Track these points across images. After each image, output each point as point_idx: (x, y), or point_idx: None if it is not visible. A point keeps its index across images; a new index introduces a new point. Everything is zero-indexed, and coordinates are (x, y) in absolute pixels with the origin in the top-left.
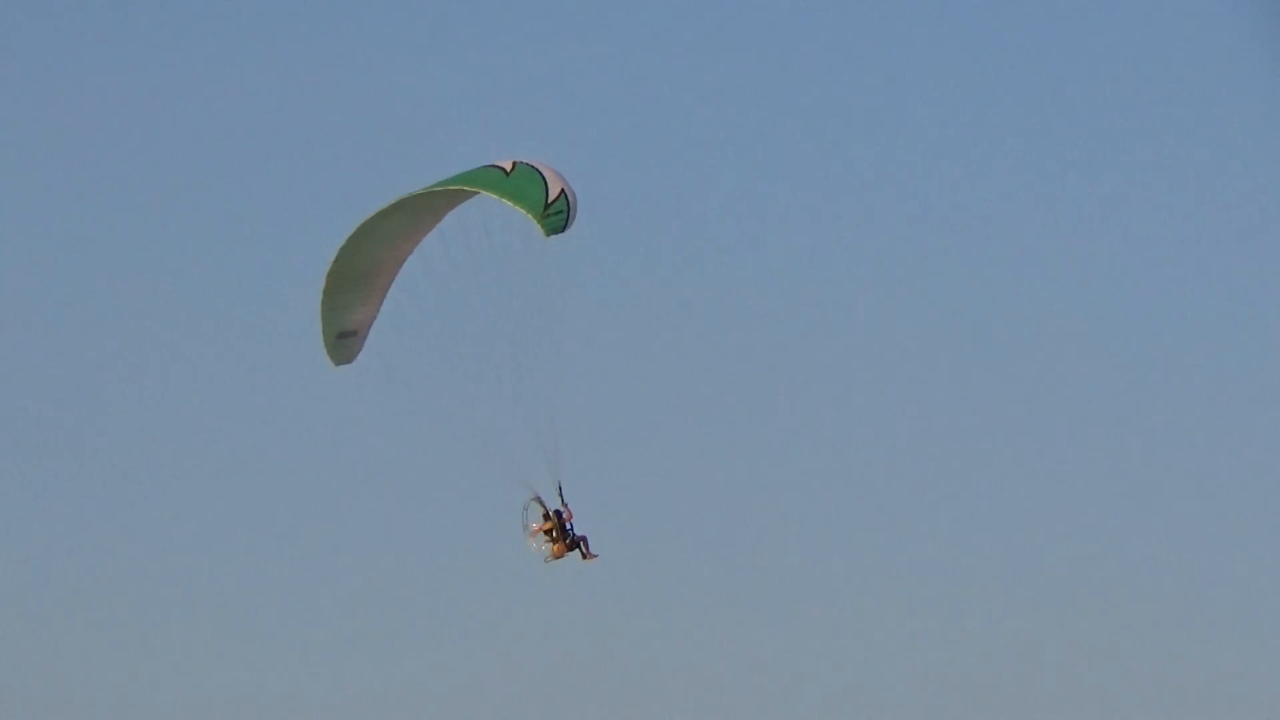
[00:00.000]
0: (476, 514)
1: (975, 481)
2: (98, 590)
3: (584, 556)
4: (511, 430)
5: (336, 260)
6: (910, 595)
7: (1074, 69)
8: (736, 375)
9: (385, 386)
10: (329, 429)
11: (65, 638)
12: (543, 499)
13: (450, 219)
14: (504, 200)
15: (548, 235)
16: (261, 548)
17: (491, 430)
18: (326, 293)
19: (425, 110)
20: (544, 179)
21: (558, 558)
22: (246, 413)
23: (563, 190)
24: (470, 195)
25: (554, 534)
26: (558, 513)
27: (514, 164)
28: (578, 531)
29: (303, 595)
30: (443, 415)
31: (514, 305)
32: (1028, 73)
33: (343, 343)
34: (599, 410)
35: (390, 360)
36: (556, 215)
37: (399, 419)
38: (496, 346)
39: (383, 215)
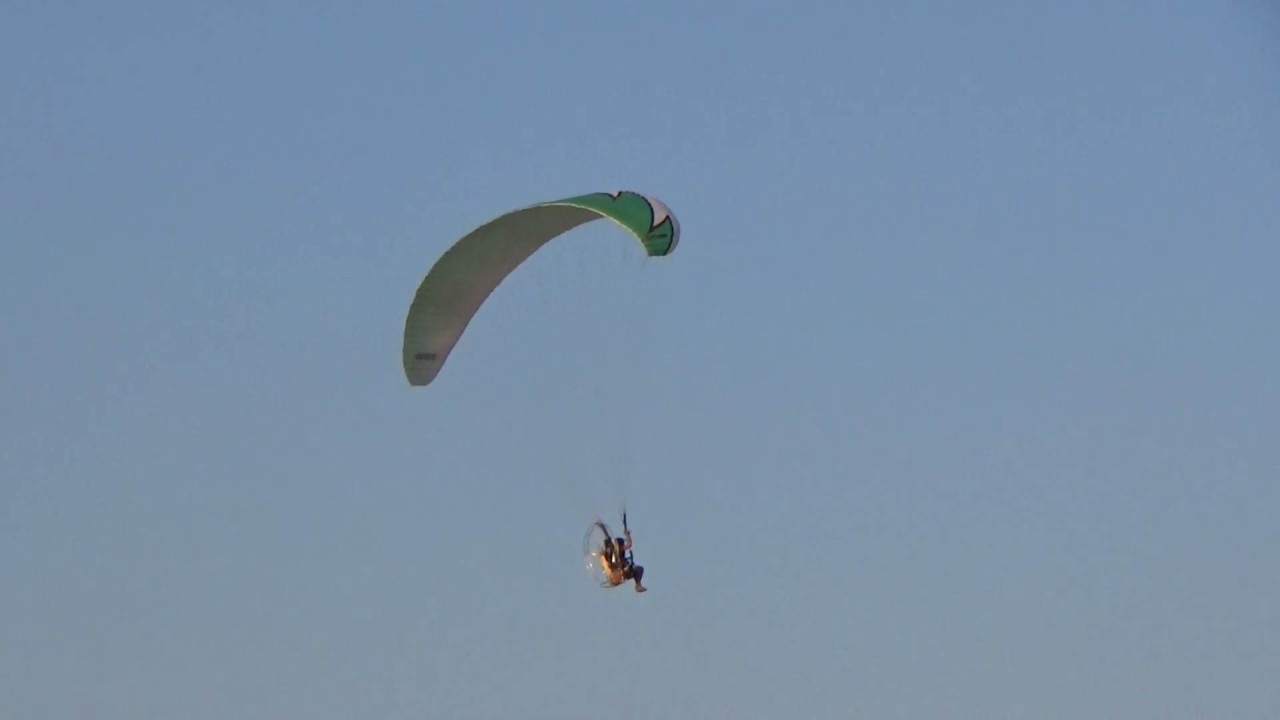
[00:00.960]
0: (539, 535)
1: (996, 486)
2: (108, 590)
3: (637, 588)
4: (583, 454)
5: (428, 278)
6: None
7: (1077, 70)
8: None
9: (461, 399)
10: (396, 443)
11: (64, 637)
12: (605, 525)
13: (552, 245)
14: (612, 219)
15: (650, 255)
16: (322, 564)
17: (564, 452)
18: (413, 310)
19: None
20: (649, 204)
21: (615, 584)
22: (310, 425)
23: (668, 216)
24: (580, 213)
25: (613, 560)
26: (619, 540)
27: (620, 191)
28: (637, 561)
29: (357, 610)
30: (515, 433)
31: (605, 325)
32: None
33: (421, 364)
34: (672, 439)
35: (468, 373)
36: (661, 238)
37: (473, 435)
38: (580, 367)
39: (482, 234)
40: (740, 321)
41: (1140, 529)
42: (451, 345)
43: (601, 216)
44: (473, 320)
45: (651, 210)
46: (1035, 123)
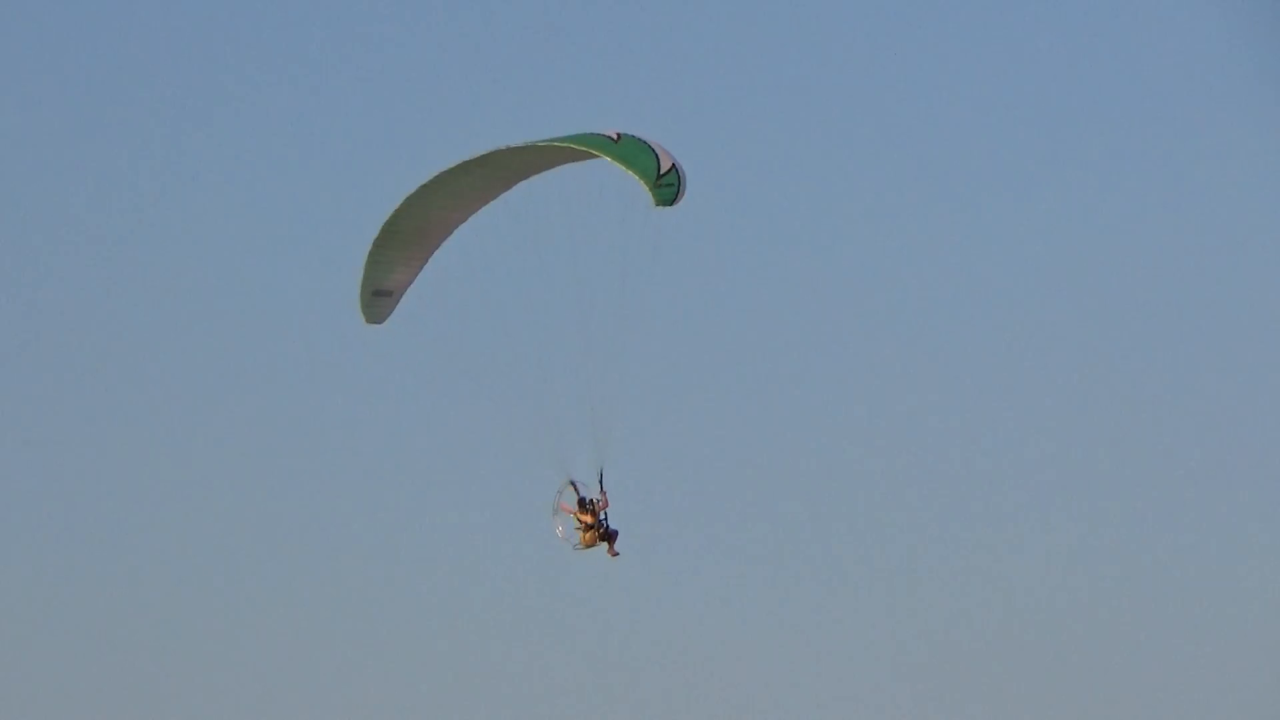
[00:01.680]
0: (506, 491)
1: (987, 475)
2: (107, 589)
3: (610, 552)
4: (560, 405)
5: (399, 212)
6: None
7: (1078, 72)
8: (808, 386)
9: (434, 348)
10: (355, 388)
11: (63, 637)
12: (577, 484)
13: (533, 182)
14: (616, 164)
15: (657, 205)
16: (287, 514)
17: (539, 401)
18: (376, 244)
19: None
20: (654, 150)
21: (588, 546)
22: (261, 369)
23: (674, 164)
24: (576, 154)
25: (589, 521)
26: (593, 501)
27: (619, 134)
28: (611, 525)
29: (321, 567)
30: (486, 379)
31: (597, 271)
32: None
33: (378, 301)
34: (658, 397)
35: (437, 313)
36: (668, 187)
37: (445, 385)
38: (563, 312)
39: (464, 169)
40: (740, 277)
41: (1141, 530)
42: (408, 284)
43: (600, 158)
44: (453, 258)
45: (657, 157)
46: (1038, 114)
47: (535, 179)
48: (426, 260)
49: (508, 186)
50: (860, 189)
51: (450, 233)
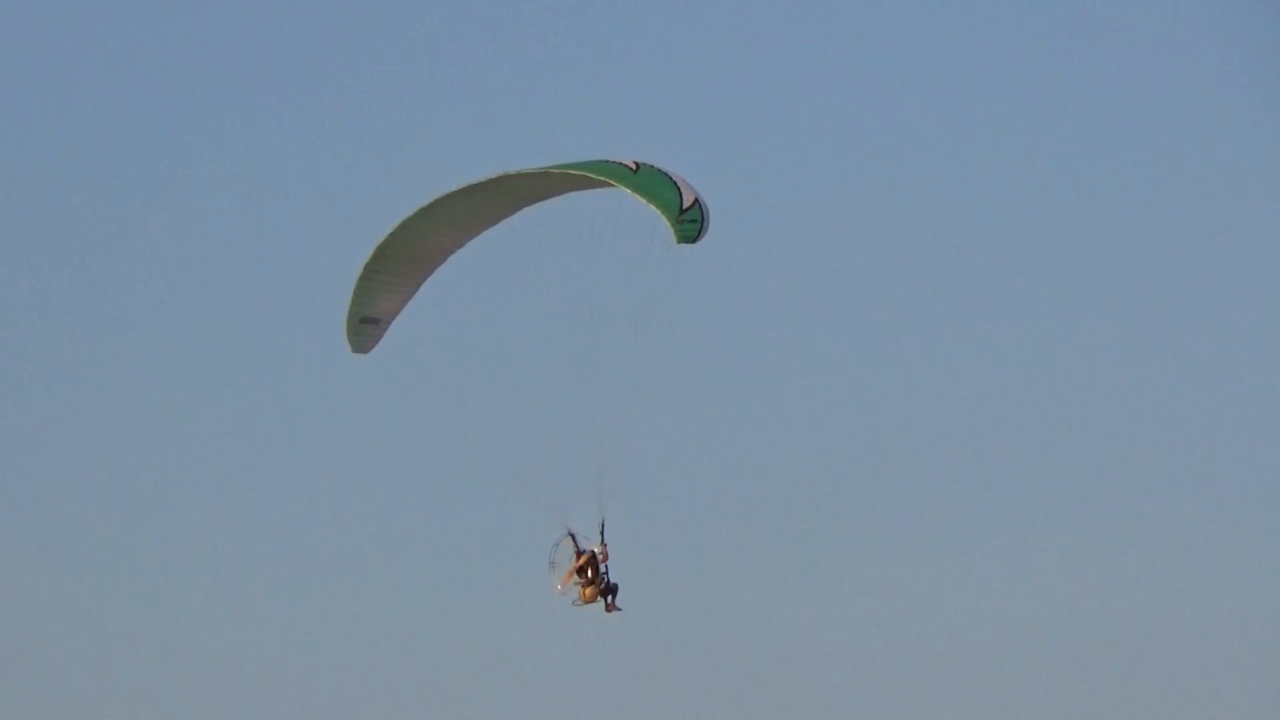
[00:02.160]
0: (504, 541)
1: (1000, 498)
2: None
3: (608, 608)
4: (561, 452)
5: (392, 235)
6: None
7: (1077, 73)
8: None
9: (427, 385)
10: (359, 430)
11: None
12: (575, 536)
13: (540, 207)
14: (637, 196)
15: (679, 242)
16: (272, 561)
17: (538, 449)
18: (368, 269)
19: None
20: (675, 183)
21: (587, 601)
22: (266, 412)
23: (697, 198)
24: (592, 184)
25: (588, 574)
26: (593, 553)
27: (637, 163)
28: (612, 578)
29: (310, 617)
30: (484, 422)
31: (607, 310)
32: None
33: (364, 329)
34: (666, 445)
35: (433, 350)
36: (691, 223)
37: (439, 426)
38: (567, 354)
39: (468, 193)
40: (757, 321)
41: (1141, 531)
42: (397, 312)
43: (618, 189)
44: (451, 288)
45: (679, 190)
46: (1044, 115)
47: (543, 204)
48: (418, 287)
49: (513, 212)
50: (889, 228)
51: (446, 259)
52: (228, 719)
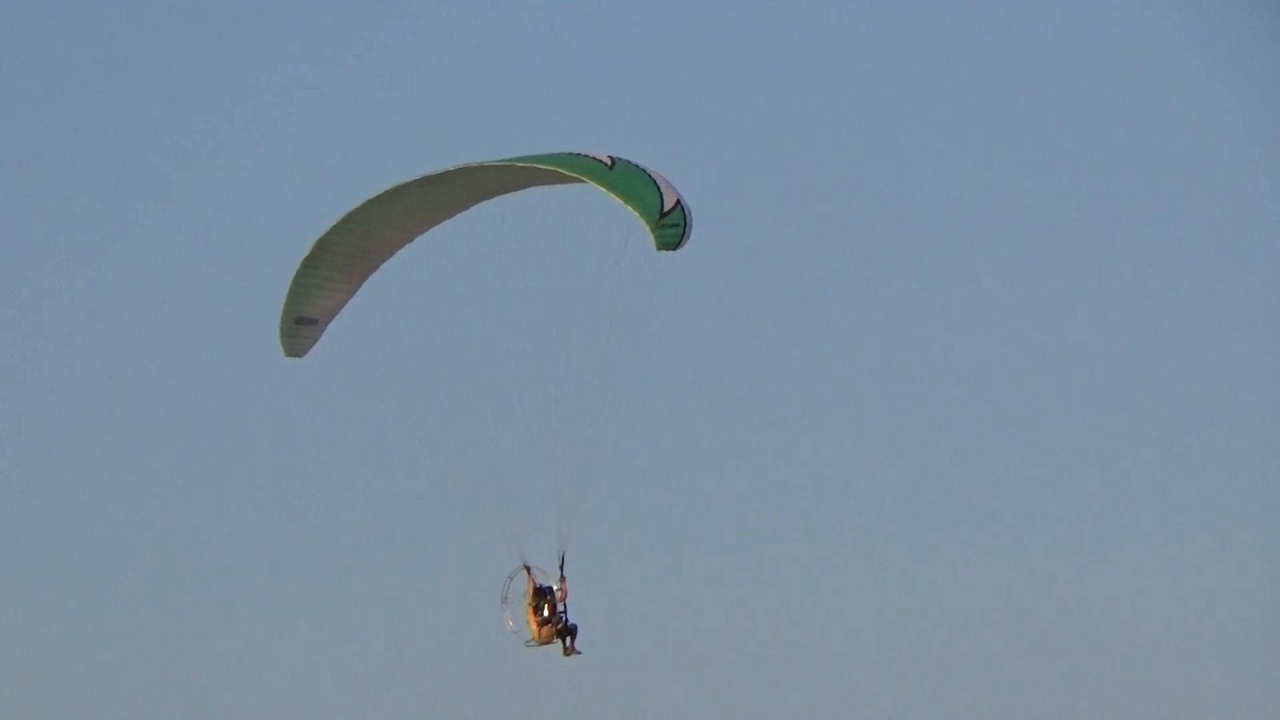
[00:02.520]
0: (450, 577)
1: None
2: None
3: (565, 651)
4: (519, 478)
5: (336, 228)
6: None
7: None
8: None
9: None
10: (273, 443)
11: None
12: (532, 569)
13: (502, 207)
14: (613, 197)
15: (659, 249)
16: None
17: (493, 474)
18: (307, 264)
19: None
20: (654, 183)
21: (543, 643)
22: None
23: (679, 201)
24: (562, 179)
25: (545, 613)
26: (549, 590)
27: (612, 159)
28: (570, 618)
29: (238, 646)
30: (432, 443)
31: (573, 317)
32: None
33: (300, 330)
34: (633, 474)
35: (383, 367)
36: (672, 229)
37: (383, 444)
38: (532, 366)
39: (424, 185)
40: (737, 335)
41: (1141, 532)
42: (336, 312)
43: (590, 186)
44: (400, 291)
45: (660, 192)
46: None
47: (506, 198)
48: (360, 285)
49: (471, 206)
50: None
51: (393, 254)
52: None
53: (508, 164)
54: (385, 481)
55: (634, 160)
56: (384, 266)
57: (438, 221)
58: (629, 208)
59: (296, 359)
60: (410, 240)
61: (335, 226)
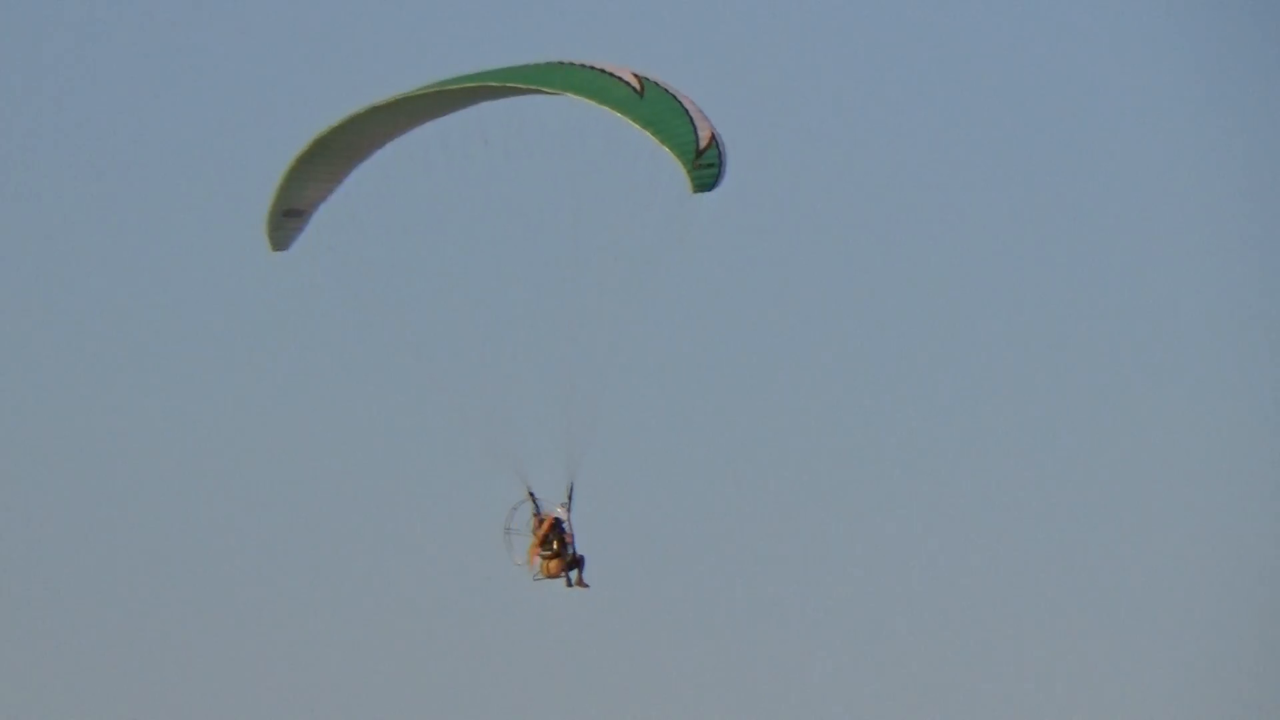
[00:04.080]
0: (454, 500)
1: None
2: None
3: (571, 583)
4: (527, 401)
5: (336, 129)
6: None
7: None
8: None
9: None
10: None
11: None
12: (536, 498)
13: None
14: (646, 132)
15: (695, 191)
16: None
17: (500, 394)
18: (301, 161)
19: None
20: (688, 113)
21: (550, 576)
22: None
23: (713, 135)
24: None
25: (553, 545)
26: (556, 519)
27: (640, 80)
28: (579, 549)
29: (239, 583)
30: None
31: (595, 241)
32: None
33: (287, 222)
34: (647, 402)
35: (385, 285)
36: (708, 169)
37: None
38: (538, 287)
39: (427, 97)
40: (761, 276)
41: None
42: (319, 202)
43: (622, 118)
44: (403, 204)
45: (694, 126)
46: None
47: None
48: (343, 177)
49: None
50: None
51: (380, 147)
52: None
53: (527, 80)
54: (385, 405)
55: (661, 81)
56: (384, 174)
57: (432, 120)
58: (664, 147)
59: (283, 250)
60: (397, 137)
61: (335, 128)
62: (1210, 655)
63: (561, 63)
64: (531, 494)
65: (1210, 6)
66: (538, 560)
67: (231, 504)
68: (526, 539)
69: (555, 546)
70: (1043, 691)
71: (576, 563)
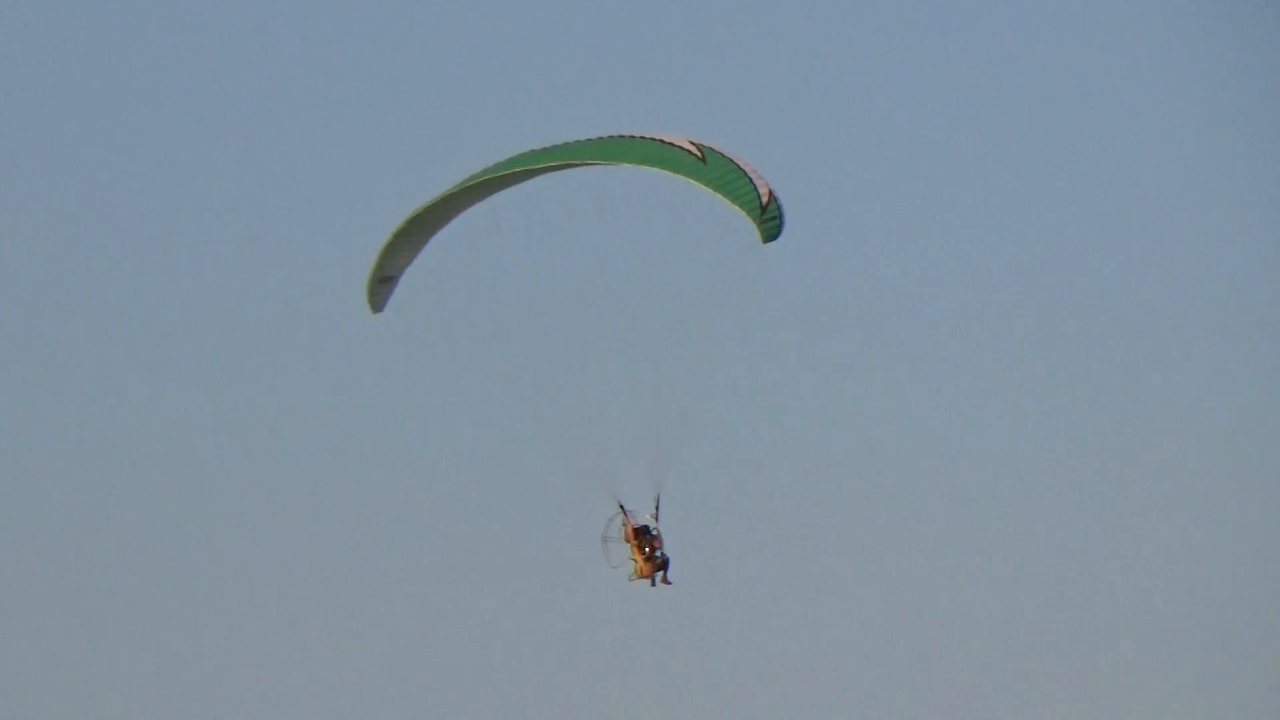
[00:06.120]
0: (550, 513)
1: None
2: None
3: (655, 583)
4: (620, 424)
5: (431, 206)
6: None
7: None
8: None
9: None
10: (380, 398)
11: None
12: (627, 510)
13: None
14: (717, 194)
15: (765, 242)
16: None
17: (596, 419)
18: (398, 235)
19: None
20: (747, 174)
21: (643, 577)
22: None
23: (770, 191)
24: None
25: (645, 551)
26: (646, 527)
27: (699, 147)
28: (664, 552)
29: (343, 603)
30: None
31: (673, 288)
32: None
33: (381, 288)
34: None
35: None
36: (772, 221)
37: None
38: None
39: (511, 176)
40: (834, 309)
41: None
42: (406, 267)
43: (690, 181)
44: (501, 249)
45: (753, 184)
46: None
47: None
48: (425, 243)
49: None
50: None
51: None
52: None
53: (599, 154)
54: (492, 431)
55: (715, 146)
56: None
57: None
58: (735, 206)
59: (380, 313)
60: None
61: (430, 204)
62: (1210, 655)
63: (623, 136)
64: (622, 507)
65: (1210, 6)
66: (631, 562)
67: (349, 524)
68: (620, 546)
69: (646, 551)
70: (1069, 693)
71: (663, 565)
